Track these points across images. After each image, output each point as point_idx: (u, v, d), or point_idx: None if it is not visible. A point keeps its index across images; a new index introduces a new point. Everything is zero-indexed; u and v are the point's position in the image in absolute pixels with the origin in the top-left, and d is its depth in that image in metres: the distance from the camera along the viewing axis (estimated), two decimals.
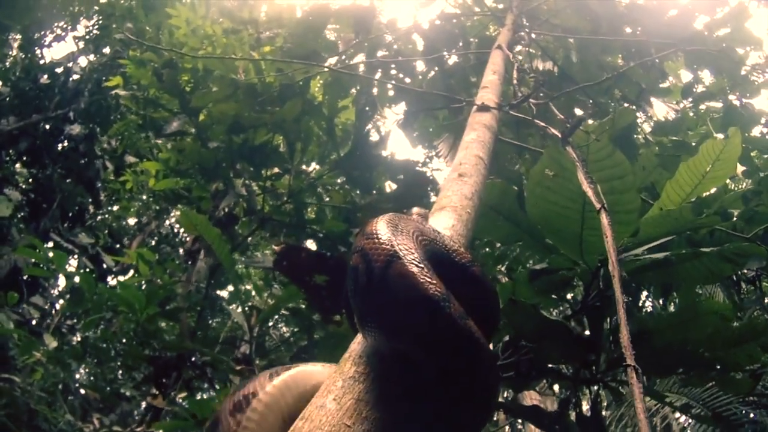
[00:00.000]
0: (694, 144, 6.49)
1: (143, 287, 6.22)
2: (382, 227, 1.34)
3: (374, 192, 6.22)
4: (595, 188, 1.97)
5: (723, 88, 7.78)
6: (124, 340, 6.88)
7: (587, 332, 3.18)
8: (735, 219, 3.86)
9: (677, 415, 10.02)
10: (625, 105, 7.45)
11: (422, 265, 1.22)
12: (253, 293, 8.72)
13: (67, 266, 6.48)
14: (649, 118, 8.42)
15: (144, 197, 13.24)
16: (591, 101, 7.14)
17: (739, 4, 6.91)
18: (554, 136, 2.47)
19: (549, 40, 7.37)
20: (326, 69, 5.98)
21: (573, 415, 4.11)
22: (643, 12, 6.89)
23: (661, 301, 6.95)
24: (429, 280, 1.19)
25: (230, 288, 10.77)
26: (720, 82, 7.75)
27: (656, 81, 7.69)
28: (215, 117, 6.34)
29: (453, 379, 1.21)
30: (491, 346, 3.80)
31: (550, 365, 3.82)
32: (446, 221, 1.97)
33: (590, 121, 7.64)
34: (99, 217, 15.11)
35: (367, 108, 6.25)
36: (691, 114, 8.09)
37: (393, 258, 1.22)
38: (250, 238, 8.53)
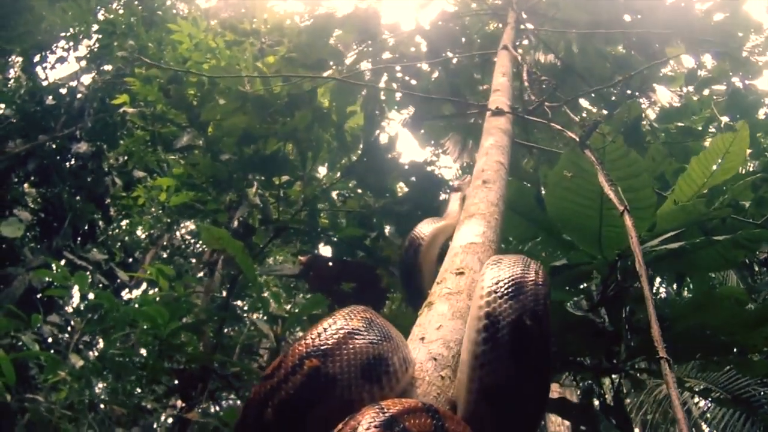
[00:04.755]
0: (700, 128, 6.55)
1: (161, 301, 6.30)
2: None
3: (387, 195, 6.29)
4: (615, 190, 2.05)
5: (725, 71, 7.80)
6: (144, 353, 6.96)
7: (607, 324, 3.26)
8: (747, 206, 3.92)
9: (695, 399, 10.06)
10: (636, 94, 7.48)
11: None
12: (271, 301, 8.79)
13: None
14: (652, 104, 8.45)
15: (153, 210, 13.33)
16: (594, 93, 7.18)
17: None
18: (571, 139, 2.55)
19: (549, 33, 7.41)
20: (333, 80, 6.05)
21: (597, 405, 4.19)
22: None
23: (675, 287, 7.01)
24: None
25: (248, 298, 10.89)
26: (722, 66, 7.77)
27: (659, 68, 7.73)
28: (225, 129, 6.41)
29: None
30: None
31: (571, 357, 3.90)
32: (477, 228, 2.05)
33: (594, 110, 7.69)
34: (110, 233, 15.21)
35: (376, 112, 6.32)
36: (695, 98, 8.12)
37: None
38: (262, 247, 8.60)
